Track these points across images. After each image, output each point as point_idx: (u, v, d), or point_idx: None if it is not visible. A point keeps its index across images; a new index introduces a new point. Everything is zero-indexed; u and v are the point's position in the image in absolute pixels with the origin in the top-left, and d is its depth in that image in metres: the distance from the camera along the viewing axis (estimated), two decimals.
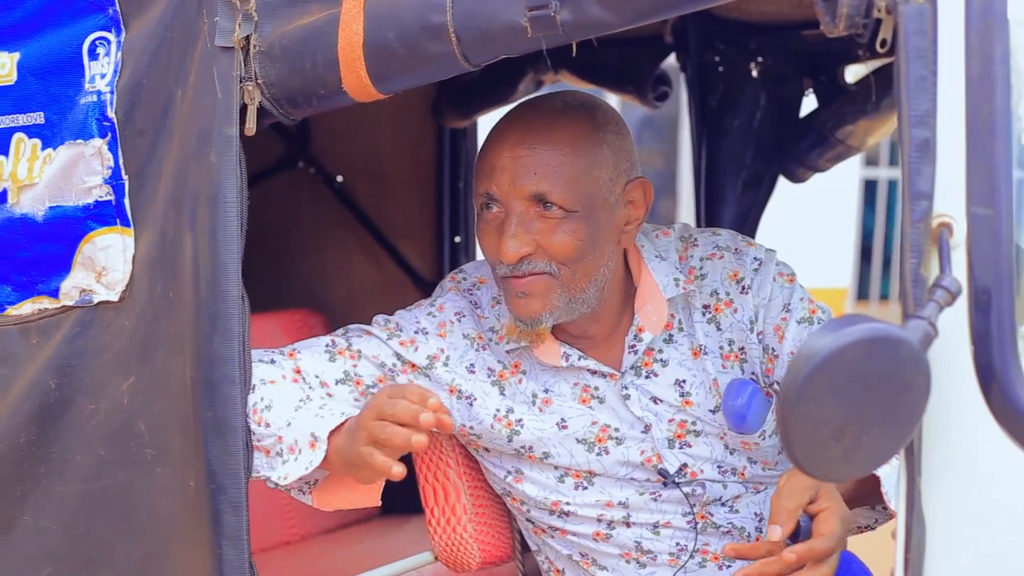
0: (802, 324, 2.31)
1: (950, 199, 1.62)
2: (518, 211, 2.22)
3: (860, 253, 13.22)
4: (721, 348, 2.36)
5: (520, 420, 2.39)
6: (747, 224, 3.31)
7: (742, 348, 2.36)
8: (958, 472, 1.67)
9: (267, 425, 2.16)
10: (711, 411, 2.34)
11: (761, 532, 2.43)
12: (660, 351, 2.37)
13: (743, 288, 2.35)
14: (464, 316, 2.44)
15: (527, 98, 2.40)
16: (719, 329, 2.36)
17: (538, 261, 2.22)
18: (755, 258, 2.37)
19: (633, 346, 2.36)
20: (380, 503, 2.27)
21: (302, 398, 2.23)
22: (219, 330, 2.07)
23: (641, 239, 2.40)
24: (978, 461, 1.66)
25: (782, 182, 3.38)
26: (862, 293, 13.47)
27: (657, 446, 2.35)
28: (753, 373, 2.36)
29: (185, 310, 2.11)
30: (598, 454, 2.37)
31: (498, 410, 2.40)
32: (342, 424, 2.14)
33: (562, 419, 2.37)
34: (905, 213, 1.62)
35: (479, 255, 2.65)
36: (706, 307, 2.37)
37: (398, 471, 1.98)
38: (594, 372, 2.37)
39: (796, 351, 2.28)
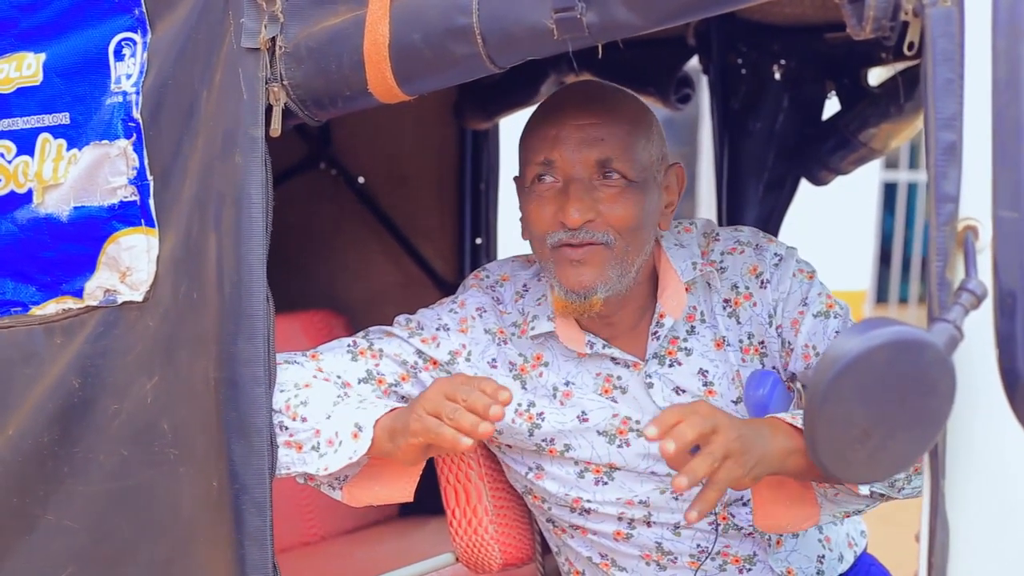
0: (818, 318, 2.32)
1: (976, 202, 1.62)
2: (581, 177, 2.25)
3: (879, 256, 13.18)
4: (741, 341, 2.37)
5: (541, 413, 2.40)
6: (769, 226, 3.31)
7: (762, 342, 2.37)
8: (982, 475, 1.66)
9: (303, 420, 2.16)
10: (733, 402, 2.35)
11: (781, 535, 2.43)
12: (684, 340, 2.38)
13: (762, 283, 2.37)
14: (485, 311, 2.45)
15: (573, 82, 2.43)
16: (739, 323, 2.38)
17: (596, 230, 2.24)
18: (775, 254, 2.39)
19: (656, 332, 2.36)
20: (412, 498, 2.27)
21: (339, 395, 2.24)
22: (244, 330, 2.08)
23: (663, 231, 2.41)
24: (1002, 464, 1.66)
25: (802, 184, 3.38)
26: (881, 296, 13.42)
27: None
28: (774, 367, 2.37)
29: (209, 310, 2.12)
30: (619, 446, 2.38)
31: (519, 404, 2.40)
32: (384, 415, 2.15)
33: (583, 412, 2.38)
34: (931, 216, 1.62)
35: (500, 257, 2.65)
36: (727, 301, 2.39)
37: (485, 429, 2.00)
38: (617, 361, 2.37)
39: (810, 343, 2.31)
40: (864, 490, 2.05)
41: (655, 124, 2.35)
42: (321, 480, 2.24)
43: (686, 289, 2.36)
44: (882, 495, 2.13)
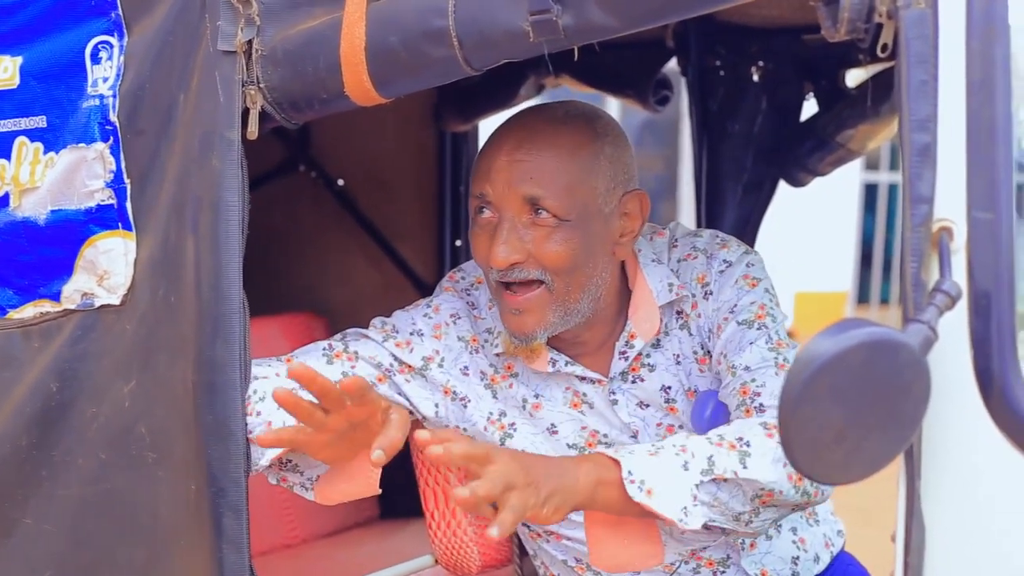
0: (741, 326, 2.27)
1: (951, 203, 1.62)
2: (510, 216, 2.21)
3: (860, 257, 13.21)
4: (695, 353, 2.36)
5: (513, 424, 2.39)
6: (748, 228, 3.31)
7: (708, 353, 2.35)
8: (958, 476, 1.66)
9: (258, 414, 2.13)
10: (680, 426, 2.34)
11: (755, 537, 2.42)
12: (648, 355, 2.37)
13: (706, 293, 2.33)
14: (460, 318, 2.43)
15: (526, 105, 2.40)
16: (690, 334, 2.36)
17: (530, 269, 2.21)
18: (724, 260, 2.34)
19: (624, 352, 2.35)
20: (380, 490, 2.21)
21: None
22: (220, 334, 2.07)
23: (640, 242, 2.39)
24: (978, 465, 1.66)
25: (782, 186, 3.38)
26: (862, 297, 13.48)
27: None
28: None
29: (186, 314, 2.11)
30: None
31: (491, 413, 2.40)
32: None
33: (552, 424, 2.38)
34: (905, 217, 1.62)
35: None
36: (679, 312, 2.36)
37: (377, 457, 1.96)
38: (582, 378, 2.37)
39: (724, 350, 2.27)
40: (695, 524, 2.02)
41: (604, 155, 2.25)
42: (293, 481, 2.22)
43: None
44: (724, 530, 2.10)
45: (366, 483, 2.19)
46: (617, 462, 2.03)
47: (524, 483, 1.94)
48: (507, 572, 2.77)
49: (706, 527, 2.06)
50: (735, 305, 2.29)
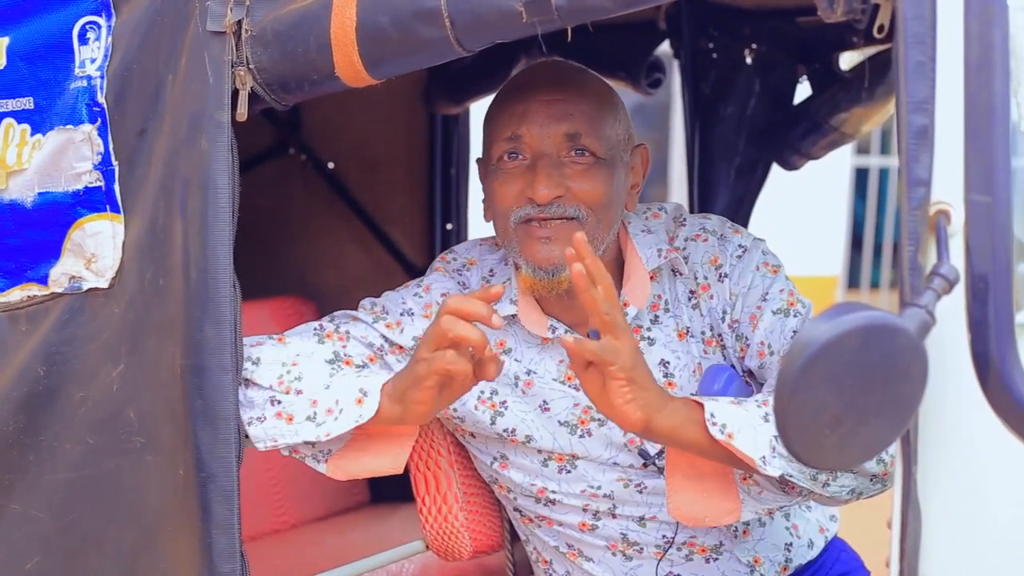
0: (777, 315, 2.28)
1: (948, 186, 1.61)
2: (550, 153, 2.25)
3: (851, 241, 13.20)
4: (703, 333, 2.36)
5: (504, 402, 2.38)
6: (740, 212, 3.30)
7: (719, 335, 2.35)
8: (955, 461, 1.66)
9: (298, 392, 2.14)
10: (693, 395, 2.32)
11: (748, 525, 2.42)
12: (648, 329, 2.36)
13: (720, 276, 2.34)
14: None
15: (539, 62, 2.43)
16: (701, 314, 2.36)
17: (567, 205, 2.24)
18: (739, 245, 2.36)
19: None
20: (402, 470, 2.25)
21: (335, 368, 2.23)
22: (210, 317, 2.05)
23: (631, 216, 2.41)
24: (975, 450, 1.65)
25: (772, 170, 3.37)
26: (853, 281, 13.45)
27: None
28: (732, 363, 2.35)
29: (175, 297, 2.09)
30: (581, 436, 2.36)
31: (482, 392, 2.39)
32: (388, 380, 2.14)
33: (544, 402, 2.37)
34: (903, 200, 1.61)
35: None
36: (692, 292, 2.37)
37: (497, 321, 2.03)
38: None
39: (766, 340, 2.27)
40: (773, 471, 2.02)
41: (620, 103, 2.36)
42: (305, 452, 2.21)
43: (651, 277, 2.35)
44: (801, 492, 2.11)
45: (393, 460, 2.23)
46: (701, 404, 2.05)
47: (634, 346, 2.02)
48: (498, 558, 2.76)
49: (784, 482, 2.07)
50: (765, 294, 2.31)
